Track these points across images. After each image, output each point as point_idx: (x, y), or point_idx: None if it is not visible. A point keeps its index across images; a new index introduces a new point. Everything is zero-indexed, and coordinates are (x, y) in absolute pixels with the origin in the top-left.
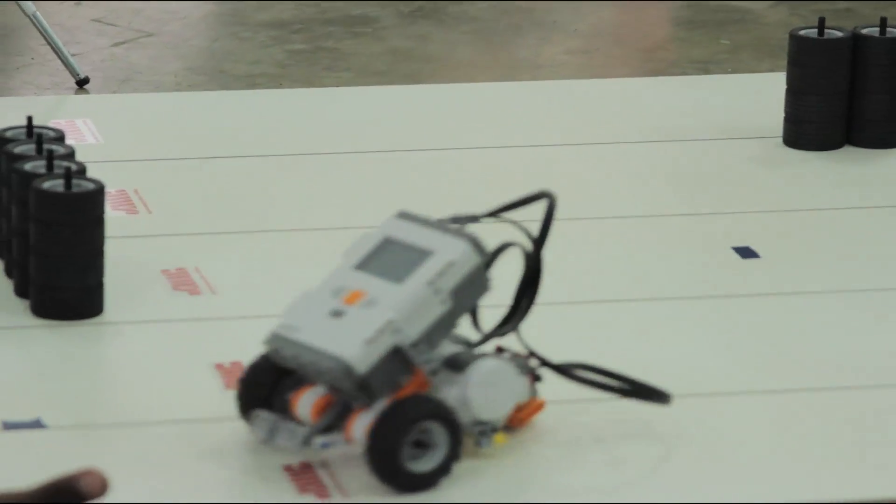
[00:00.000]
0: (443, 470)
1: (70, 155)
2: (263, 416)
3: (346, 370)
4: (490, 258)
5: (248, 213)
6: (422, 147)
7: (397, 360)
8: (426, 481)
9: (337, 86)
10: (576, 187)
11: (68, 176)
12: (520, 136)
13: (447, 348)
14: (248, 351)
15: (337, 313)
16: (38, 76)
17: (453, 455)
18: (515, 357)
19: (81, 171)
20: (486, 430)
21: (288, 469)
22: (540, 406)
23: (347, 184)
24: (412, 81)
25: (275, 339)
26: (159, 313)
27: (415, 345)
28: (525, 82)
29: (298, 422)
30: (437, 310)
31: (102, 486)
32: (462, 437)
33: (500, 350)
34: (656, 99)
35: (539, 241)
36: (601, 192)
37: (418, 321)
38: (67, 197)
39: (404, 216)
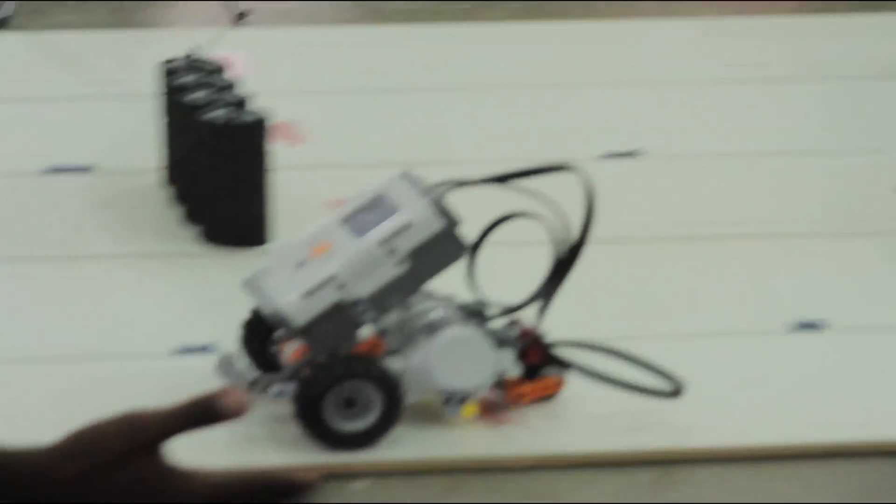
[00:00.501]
0: (376, 432)
1: (231, 86)
2: (227, 358)
3: (284, 321)
4: (489, 227)
5: (409, 146)
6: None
7: (343, 317)
8: (356, 441)
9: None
10: (747, 120)
11: (232, 107)
12: (683, 69)
13: (437, 313)
14: None
15: (301, 264)
16: (199, 10)
17: (388, 418)
18: (507, 331)
19: (243, 102)
20: (451, 400)
21: None
22: (551, 386)
23: (512, 118)
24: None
25: (246, 284)
26: None
27: (357, 303)
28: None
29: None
30: (391, 271)
31: (241, 407)
32: (399, 401)
33: (512, 324)
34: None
35: (585, 226)
36: (770, 128)
37: (367, 280)
38: (232, 127)
39: (404, 176)
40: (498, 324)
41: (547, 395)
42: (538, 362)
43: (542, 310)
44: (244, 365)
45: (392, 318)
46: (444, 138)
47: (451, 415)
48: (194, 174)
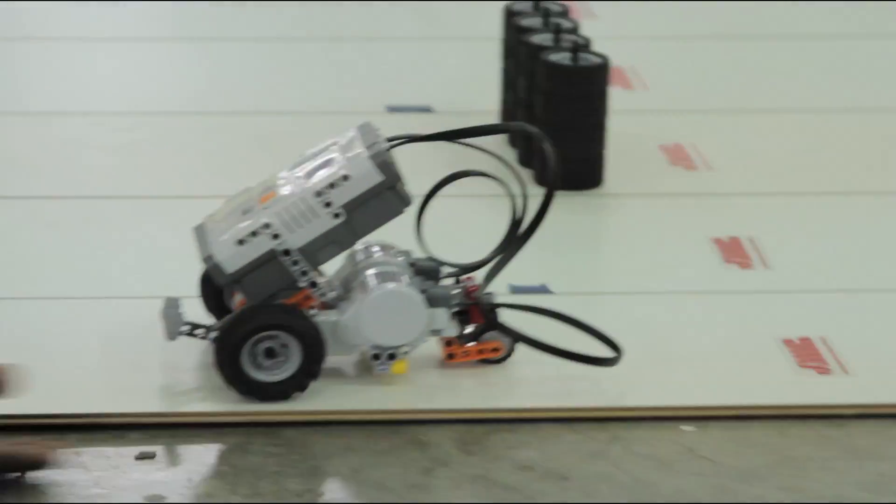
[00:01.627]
0: (293, 383)
1: (574, 29)
2: (173, 302)
3: (216, 269)
4: (439, 184)
5: (739, 92)
6: None
7: (275, 267)
8: (274, 391)
9: None
10: None
11: (575, 49)
12: None
13: (378, 269)
14: (748, 227)
15: (246, 210)
16: None
17: (307, 371)
18: (444, 290)
19: (586, 45)
20: (380, 355)
21: (788, 342)
22: (487, 350)
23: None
24: None
25: (195, 230)
26: (657, 186)
27: (289, 253)
28: None
29: None
30: (327, 223)
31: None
32: (318, 354)
33: (458, 284)
34: None
35: (548, 192)
36: None
37: (302, 231)
38: (573, 69)
39: (361, 128)
40: (446, 283)
41: (487, 359)
42: (481, 324)
43: (494, 271)
44: (182, 309)
45: (343, 271)
46: (774, 84)
47: (380, 370)
48: (533, 116)
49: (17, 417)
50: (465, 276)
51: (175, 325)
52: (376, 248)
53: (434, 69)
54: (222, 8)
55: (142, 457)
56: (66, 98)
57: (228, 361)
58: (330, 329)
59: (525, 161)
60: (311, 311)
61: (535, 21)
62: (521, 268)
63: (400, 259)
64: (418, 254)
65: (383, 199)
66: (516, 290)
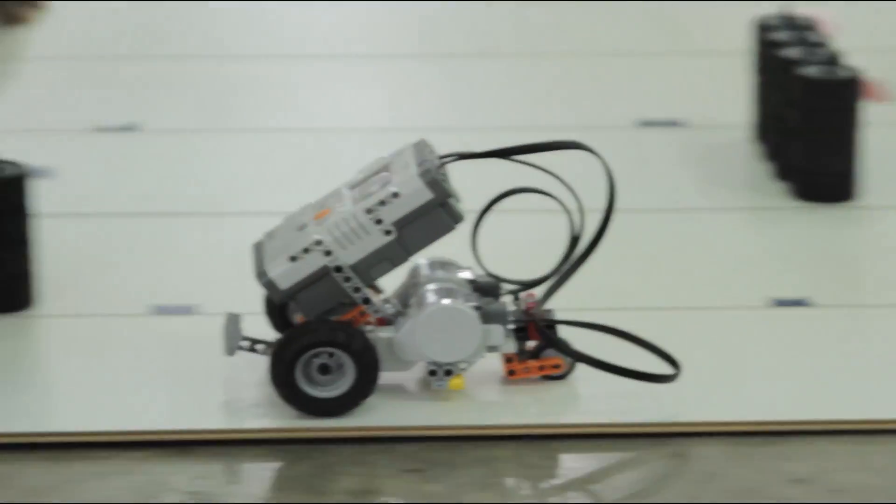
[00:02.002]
0: (348, 400)
1: (824, 43)
2: (234, 318)
3: (270, 285)
4: (494, 201)
5: None
6: None
7: (328, 283)
8: (328, 408)
9: None
10: None
11: (825, 63)
12: None
13: (436, 286)
14: None
15: (301, 227)
16: None
17: (360, 387)
18: (500, 306)
19: (836, 58)
20: (437, 371)
21: None
22: (548, 367)
23: None
24: None
25: (254, 246)
26: None
27: (341, 269)
28: None
29: None
30: (378, 240)
31: None
32: (371, 370)
33: (517, 301)
34: None
35: (607, 209)
36: None
37: (355, 248)
38: (826, 84)
39: (416, 145)
40: (505, 300)
41: (547, 375)
42: (540, 342)
43: (553, 289)
44: (241, 325)
45: (402, 287)
46: None
47: (438, 387)
48: (785, 130)
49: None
50: (525, 294)
51: (234, 340)
52: (437, 265)
53: (682, 83)
54: (464, 23)
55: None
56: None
57: (283, 376)
58: (385, 345)
59: (783, 175)
60: (367, 328)
61: (785, 34)
62: (779, 280)
63: (459, 276)
64: (479, 271)
65: (434, 216)
66: (777, 302)
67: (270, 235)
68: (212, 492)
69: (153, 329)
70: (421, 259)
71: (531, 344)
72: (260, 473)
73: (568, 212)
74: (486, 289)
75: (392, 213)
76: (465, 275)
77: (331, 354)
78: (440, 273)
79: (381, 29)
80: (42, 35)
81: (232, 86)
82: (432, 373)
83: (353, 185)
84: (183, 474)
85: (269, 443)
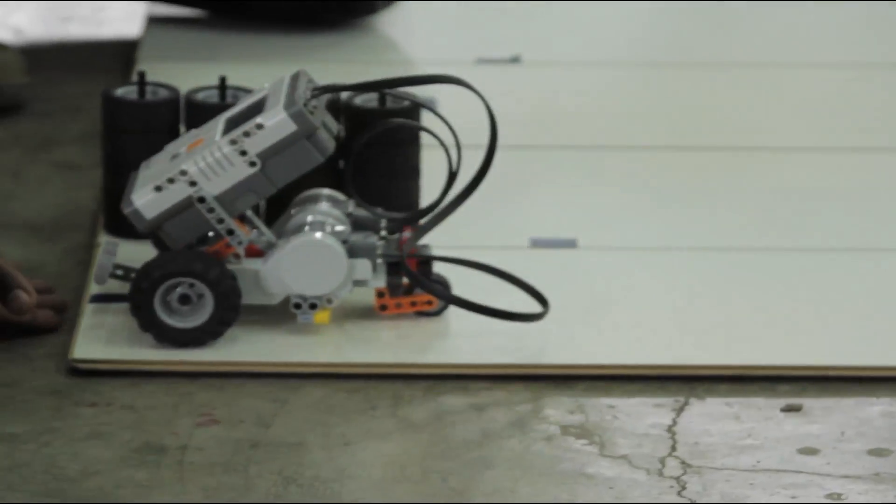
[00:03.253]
0: (206, 330)
1: None
2: (111, 245)
3: (136, 214)
4: (368, 136)
5: None
6: None
7: (193, 214)
8: (187, 337)
9: None
10: None
11: None
12: None
13: (304, 219)
14: None
15: (174, 157)
16: None
17: (218, 318)
18: (369, 241)
19: None
20: (301, 304)
21: None
22: (420, 303)
23: None
24: None
25: (130, 175)
26: None
27: (205, 200)
28: None
29: None
30: (243, 171)
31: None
32: (230, 301)
33: (392, 235)
34: None
35: (490, 147)
36: None
37: (219, 179)
38: None
39: (293, 77)
40: (382, 235)
41: (422, 311)
42: (414, 277)
43: (427, 226)
44: (116, 253)
45: (282, 218)
46: None
47: (303, 320)
48: None
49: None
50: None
51: (105, 269)
52: (318, 198)
53: None
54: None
55: (788, 409)
56: None
57: (141, 309)
58: (250, 277)
59: None
60: (233, 260)
61: None
62: None
63: (336, 209)
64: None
65: (299, 148)
66: None
67: (147, 164)
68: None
69: None
70: (307, 192)
71: (406, 280)
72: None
73: (445, 148)
74: (365, 223)
75: (256, 145)
76: (346, 207)
77: (191, 285)
78: (321, 206)
79: None
80: None
81: None
82: (297, 306)
83: (229, 117)
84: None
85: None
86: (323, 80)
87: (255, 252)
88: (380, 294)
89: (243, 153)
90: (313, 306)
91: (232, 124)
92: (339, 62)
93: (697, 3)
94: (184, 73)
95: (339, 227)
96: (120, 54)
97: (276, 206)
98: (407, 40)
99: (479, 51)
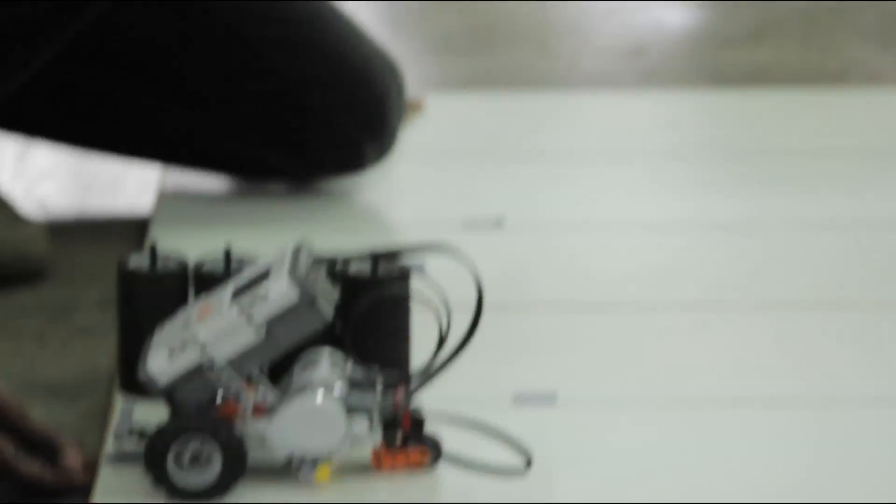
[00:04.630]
0: (217, 489)
1: None
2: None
3: (151, 381)
4: (368, 303)
5: None
6: None
7: (202, 379)
8: (196, 496)
9: None
10: None
11: None
12: None
13: (304, 380)
14: None
15: (185, 325)
16: None
17: (227, 476)
18: (366, 399)
19: None
20: (299, 464)
21: None
22: (414, 458)
23: None
24: None
25: (146, 340)
26: None
27: (213, 365)
28: None
29: None
30: (249, 338)
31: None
32: (238, 460)
33: (388, 392)
34: None
35: (476, 311)
36: None
37: (226, 344)
38: None
39: (295, 248)
40: (377, 392)
41: (414, 466)
42: (406, 434)
43: (420, 383)
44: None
45: (285, 378)
46: None
47: (303, 479)
48: None
49: None
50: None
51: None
52: (316, 358)
53: None
54: None
55: None
56: None
57: (154, 468)
58: (256, 437)
59: None
60: (239, 421)
61: None
62: None
63: (333, 368)
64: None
65: (300, 316)
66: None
67: (161, 329)
68: None
69: None
70: (309, 351)
71: (400, 435)
72: None
73: (436, 311)
74: (361, 380)
75: (262, 313)
76: (339, 367)
77: (198, 444)
78: (315, 365)
79: None
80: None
81: None
82: (299, 465)
83: (237, 286)
84: None
85: None
86: (319, 244)
87: (260, 411)
88: (375, 450)
89: (250, 319)
90: (314, 464)
91: (239, 293)
92: (329, 230)
93: (686, 164)
94: (195, 241)
95: (338, 386)
96: (135, 225)
97: (281, 363)
98: (391, 203)
99: (464, 211)
